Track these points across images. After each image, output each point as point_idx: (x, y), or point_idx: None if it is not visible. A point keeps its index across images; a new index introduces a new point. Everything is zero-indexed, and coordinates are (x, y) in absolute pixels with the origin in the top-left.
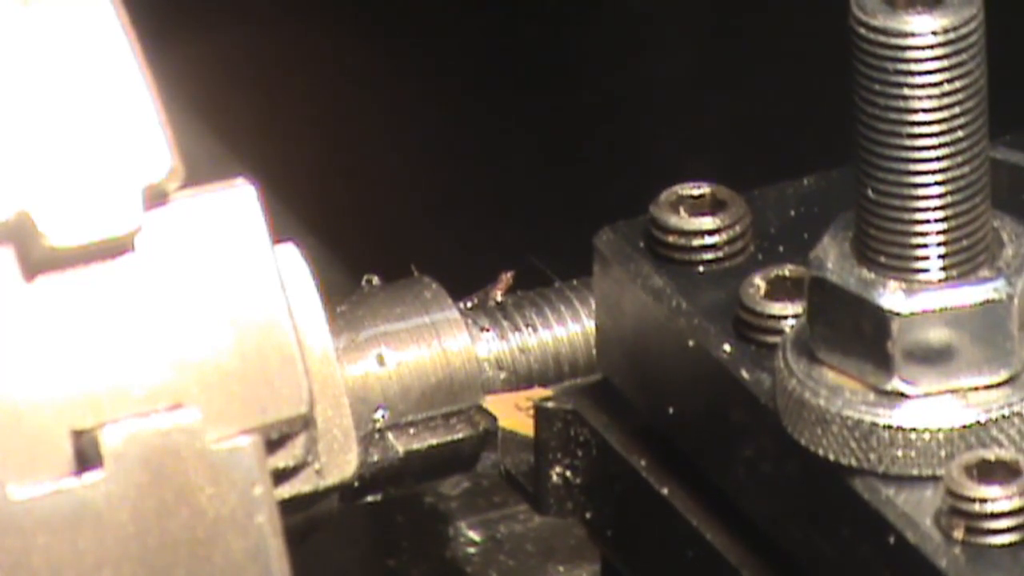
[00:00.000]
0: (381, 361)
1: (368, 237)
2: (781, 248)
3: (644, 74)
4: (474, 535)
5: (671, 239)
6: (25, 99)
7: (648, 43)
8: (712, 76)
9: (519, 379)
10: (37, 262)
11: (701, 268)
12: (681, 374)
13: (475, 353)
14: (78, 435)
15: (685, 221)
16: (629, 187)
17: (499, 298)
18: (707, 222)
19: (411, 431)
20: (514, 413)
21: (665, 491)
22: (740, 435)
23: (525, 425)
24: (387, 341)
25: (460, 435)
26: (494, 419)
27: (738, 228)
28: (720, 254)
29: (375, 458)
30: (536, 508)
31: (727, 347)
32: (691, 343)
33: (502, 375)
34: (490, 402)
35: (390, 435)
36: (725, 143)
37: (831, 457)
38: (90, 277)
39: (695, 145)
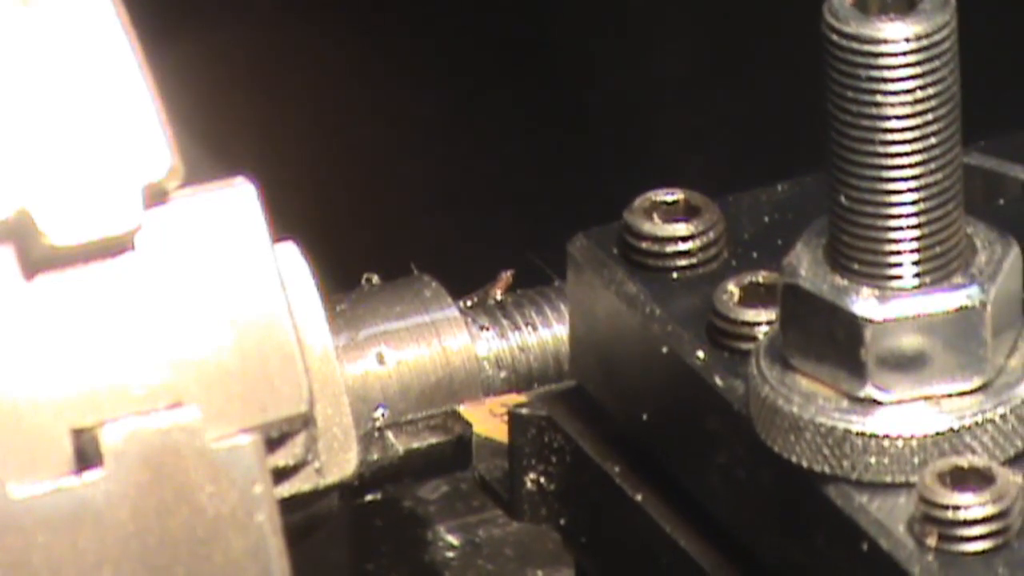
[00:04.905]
0: (381, 360)
1: (368, 236)
2: (755, 254)
3: (645, 74)
4: (453, 539)
5: (645, 245)
6: (25, 98)
7: (650, 43)
8: (713, 76)
9: (519, 378)
10: (37, 261)
11: (675, 274)
12: (655, 381)
13: (475, 352)
14: (78, 434)
15: (659, 227)
16: (629, 186)
17: (499, 297)
18: (680, 228)
19: (411, 430)
20: (488, 419)
21: (639, 497)
22: (714, 442)
23: (499, 431)
24: (387, 340)
25: (460, 434)
26: (469, 425)
27: (712, 234)
28: (694, 260)
29: (375, 457)
30: (510, 514)
31: (700, 354)
32: (664, 350)
33: (502, 374)
34: (464, 408)
35: (390, 434)
36: (725, 143)
37: (804, 464)
38: (90, 276)
39: (695, 145)
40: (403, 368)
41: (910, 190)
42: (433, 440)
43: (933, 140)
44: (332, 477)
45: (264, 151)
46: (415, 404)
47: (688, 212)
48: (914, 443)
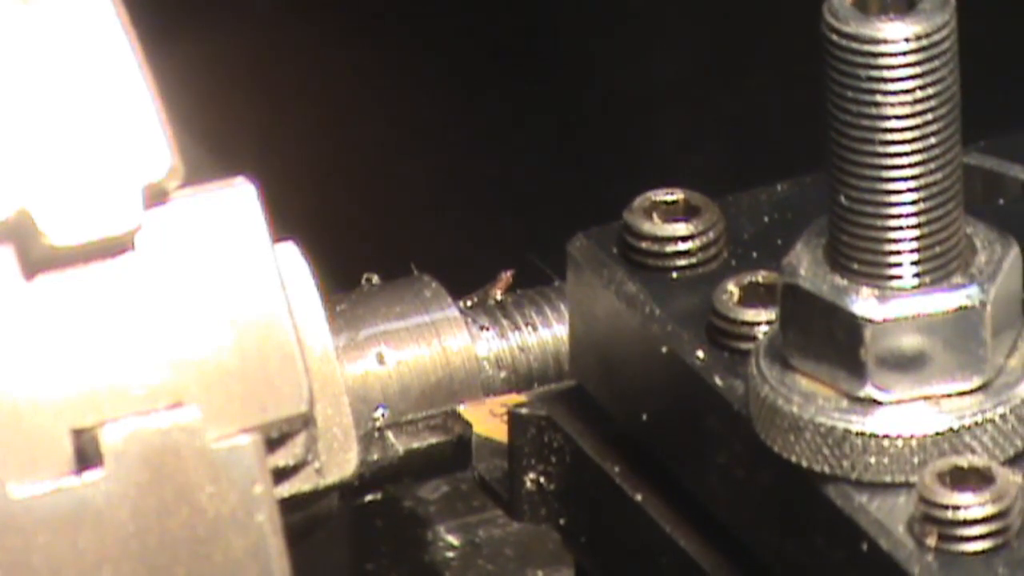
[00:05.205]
0: (381, 360)
1: (368, 236)
2: (755, 254)
3: (645, 73)
4: (453, 539)
5: (644, 245)
6: (25, 98)
7: (650, 43)
8: (713, 76)
9: (519, 378)
10: (37, 261)
11: (674, 274)
12: (654, 381)
13: (475, 352)
14: (78, 434)
15: (658, 227)
16: (629, 186)
17: (499, 297)
18: (680, 228)
19: (411, 430)
20: (488, 419)
21: (639, 497)
22: (713, 442)
23: (499, 431)
24: (387, 340)
25: (460, 434)
26: (469, 425)
27: (711, 234)
28: (693, 260)
29: (375, 457)
30: (510, 514)
31: (700, 353)
32: (664, 349)
33: (502, 374)
34: (464, 408)
35: (390, 434)
36: (725, 143)
37: (804, 464)
38: (90, 276)
39: (695, 144)
40: (403, 368)
41: (910, 190)
42: (433, 440)
43: (933, 140)
44: (332, 477)
45: (264, 151)
46: (415, 404)
47: (688, 212)
48: (914, 443)
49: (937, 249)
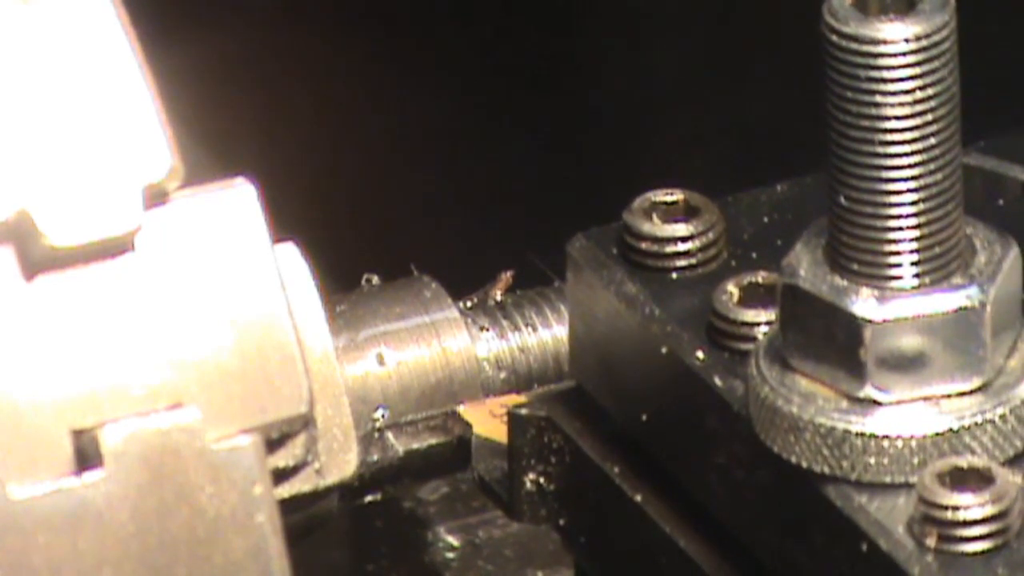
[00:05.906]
0: (381, 361)
1: (368, 237)
2: (754, 255)
3: (645, 73)
4: (453, 540)
5: (644, 246)
6: (25, 98)
7: (650, 43)
8: (713, 76)
9: (519, 379)
10: (37, 261)
11: (674, 275)
12: (654, 381)
13: (475, 353)
14: (78, 434)
15: (658, 228)
16: (629, 186)
17: (499, 297)
18: (680, 229)
19: (411, 430)
20: (488, 420)
21: (638, 498)
22: (713, 442)
23: (499, 432)
24: (387, 341)
25: (460, 435)
26: (468, 426)
27: (711, 235)
28: (693, 261)
29: (375, 458)
30: (510, 515)
31: (700, 354)
32: (664, 350)
33: (502, 375)
34: (464, 409)
35: (390, 435)
36: (725, 143)
37: (804, 464)
38: (90, 276)
39: (695, 144)
40: (403, 369)
41: (910, 190)
42: (433, 441)
43: (933, 140)
44: (332, 478)
45: (264, 151)
46: (415, 405)
47: (688, 212)
48: (914, 443)
49: (937, 249)
